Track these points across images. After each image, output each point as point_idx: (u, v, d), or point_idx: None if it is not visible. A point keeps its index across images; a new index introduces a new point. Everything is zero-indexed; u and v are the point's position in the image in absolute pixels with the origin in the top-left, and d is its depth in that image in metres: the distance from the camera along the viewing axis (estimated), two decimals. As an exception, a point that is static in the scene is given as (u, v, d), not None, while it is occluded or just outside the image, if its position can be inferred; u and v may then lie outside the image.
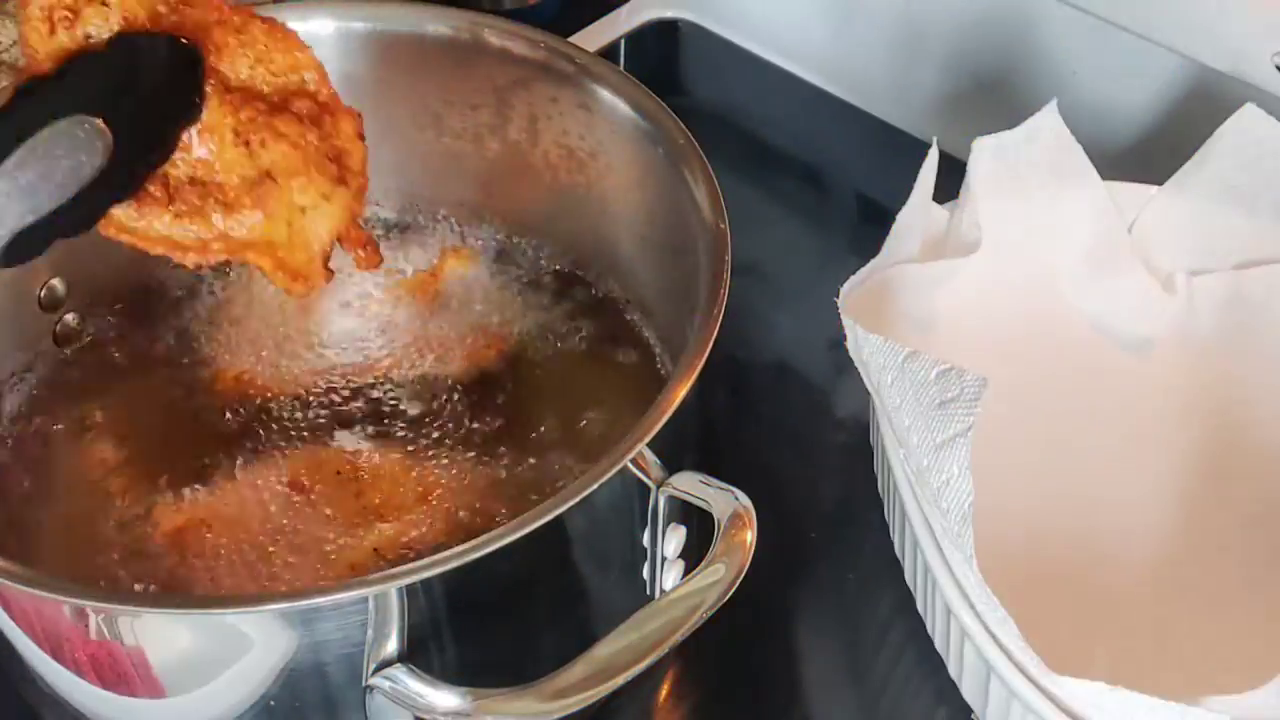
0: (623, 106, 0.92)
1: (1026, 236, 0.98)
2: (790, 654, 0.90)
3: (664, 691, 0.88)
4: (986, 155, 0.97)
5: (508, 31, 0.96)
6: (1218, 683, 0.75)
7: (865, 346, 0.83)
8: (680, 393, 0.74)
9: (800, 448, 1.00)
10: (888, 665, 0.89)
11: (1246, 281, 0.99)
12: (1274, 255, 0.99)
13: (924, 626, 0.88)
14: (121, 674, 0.74)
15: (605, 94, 0.93)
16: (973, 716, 0.84)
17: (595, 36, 1.28)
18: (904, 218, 0.94)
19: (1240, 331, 0.99)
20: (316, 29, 0.96)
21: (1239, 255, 1.00)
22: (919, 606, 0.88)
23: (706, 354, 0.76)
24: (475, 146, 1.00)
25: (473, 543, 0.68)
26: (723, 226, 0.83)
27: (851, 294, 0.89)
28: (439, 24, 0.97)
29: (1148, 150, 1.07)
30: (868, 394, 0.90)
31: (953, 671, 0.85)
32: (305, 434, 0.91)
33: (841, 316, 0.84)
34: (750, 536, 0.73)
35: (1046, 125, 0.97)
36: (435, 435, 0.91)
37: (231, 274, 0.99)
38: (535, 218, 1.01)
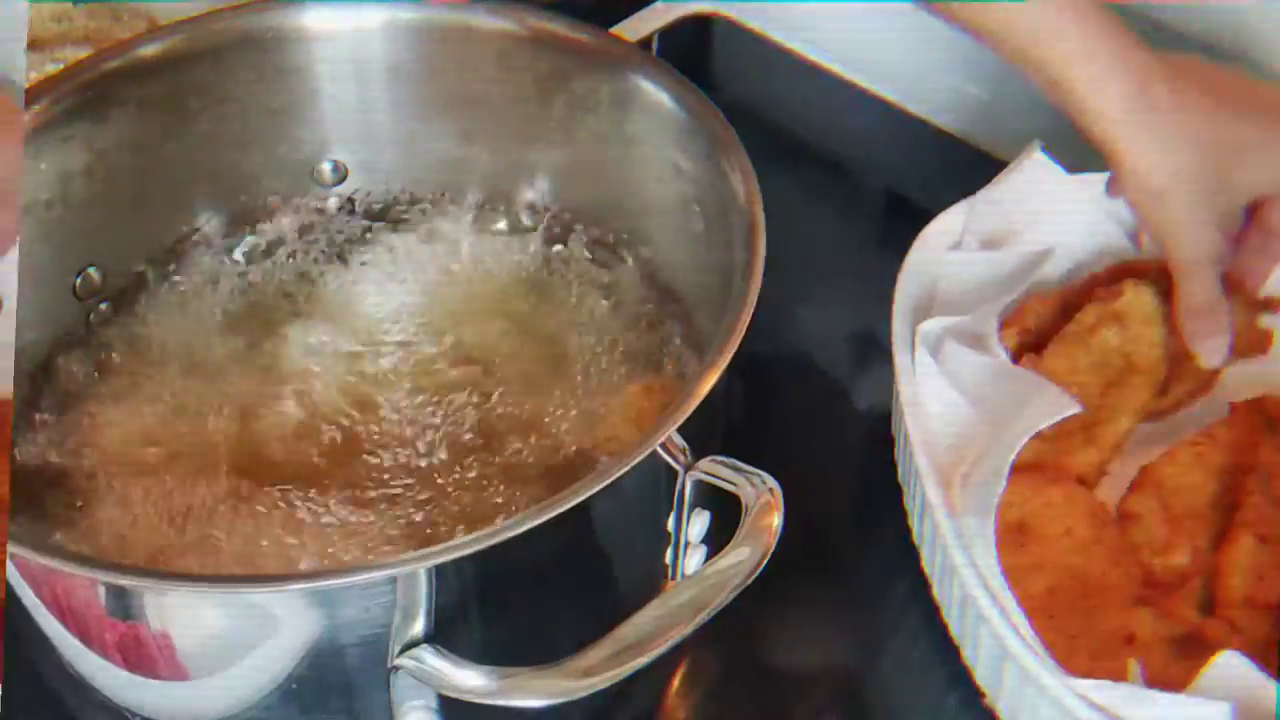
0: (663, 97, 0.93)
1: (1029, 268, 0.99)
2: (806, 639, 0.91)
3: (678, 676, 0.89)
4: (984, 208, 0.97)
5: (551, 23, 0.97)
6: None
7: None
8: (711, 379, 0.75)
9: (821, 437, 1.01)
10: (902, 651, 0.90)
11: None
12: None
13: (940, 613, 0.88)
14: (146, 656, 0.75)
15: (646, 85, 0.94)
16: (985, 701, 0.84)
17: (629, 30, 1.28)
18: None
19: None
20: (364, 21, 0.98)
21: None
22: (935, 593, 0.89)
23: (738, 342, 0.77)
24: (515, 137, 1.01)
25: (502, 524, 0.69)
26: (759, 215, 0.84)
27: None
28: (485, 16, 0.98)
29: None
30: (889, 385, 0.90)
31: (968, 657, 0.85)
32: (343, 420, 0.92)
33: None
34: (777, 520, 0.73)
35: (1034, 166, 0.99)
36: (463, 419, 0.92)
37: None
38: (572, 205, 1.02)
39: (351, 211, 1.04)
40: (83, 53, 1.09)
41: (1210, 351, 0.91)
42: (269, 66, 0.99)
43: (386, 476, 0.88)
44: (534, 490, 0.87)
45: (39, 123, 0.90)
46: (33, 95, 0.90)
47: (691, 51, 1.32)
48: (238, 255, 1.01)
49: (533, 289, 1.00)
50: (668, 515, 0.79)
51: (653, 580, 0.82)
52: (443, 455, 0.90)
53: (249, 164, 1.01)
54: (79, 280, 0.94)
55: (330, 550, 0.84)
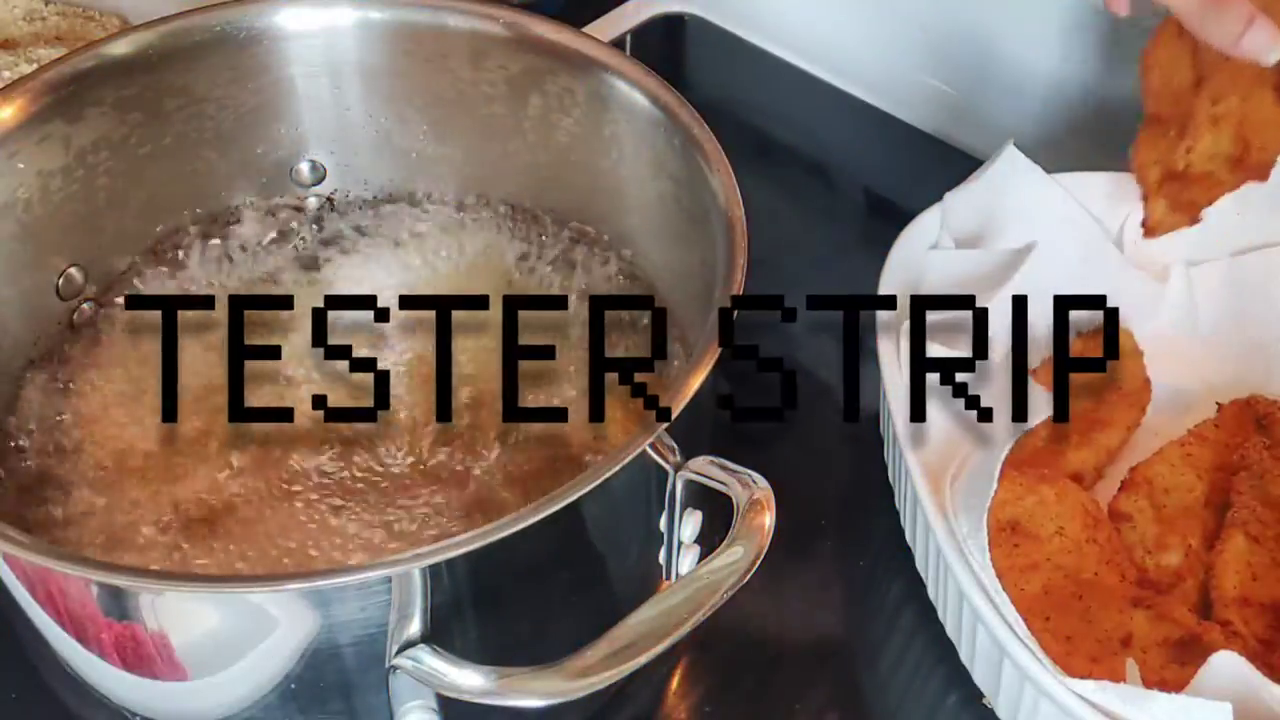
0: (639, 97, 0.93)
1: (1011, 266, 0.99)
2: (801, 641, 0.91)
3: (676, 678, 0.89)
4: (959, 207, 0.98)
5: (526, 23, 0.96)
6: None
7: None
8: (699, 378, 0.75)
9: (809, 437, 1.01)
10: (898, 651, 0.90)
11: (1243, 267, 1.00)
12: (1268, 240, 1.01)
13: (934, 612, 0.89)
14: (144, 656, 0.74)
15: (621, 85, 0.94)
16: (984, 701, 0.85)
17: (601, 31, 1.29)
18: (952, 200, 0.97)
19: (1240, 317, 1.01)
20: (337, 20, 0.98)
21: (1235, 243, 1.02)
22: (930, 593, 0.89)
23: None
24: (491, 136, 1.01)
25: (495, 524, 0.69)
26: (739, 213, 0.84)
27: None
28: (459, 15, 0.97)
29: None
30: (876, 385, 0.91)
31: (964, 656, 0.86)
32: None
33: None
34: (769, 520, 0.73)
35: (1009, 164, 0.99)
36: (447, 420, 0.91)
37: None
38: (552, 206, 1.02)
39: (331, 211, 1.04)
40: (56, 53, 1.09)
41: (1259, 47, 0.81)
42: (243, 66, 0.98)
43: (372, 475, 0.88)
44: (521, 491, 0.87)
45: (15, 122, 0.90)
46: (7, 95, 0.90)
47: (664, 51, 1.33)
48: (219, 255, 1.00)
49: (514, 289, 0.99)
50: (659, 515, 0.79)
51: (648, 580, 0.82)
52: (427, 455, 0.90)
53: (227, 164, 1.01)
54: (61, 280, 0.94)
55: (323, 551, 0.84)
